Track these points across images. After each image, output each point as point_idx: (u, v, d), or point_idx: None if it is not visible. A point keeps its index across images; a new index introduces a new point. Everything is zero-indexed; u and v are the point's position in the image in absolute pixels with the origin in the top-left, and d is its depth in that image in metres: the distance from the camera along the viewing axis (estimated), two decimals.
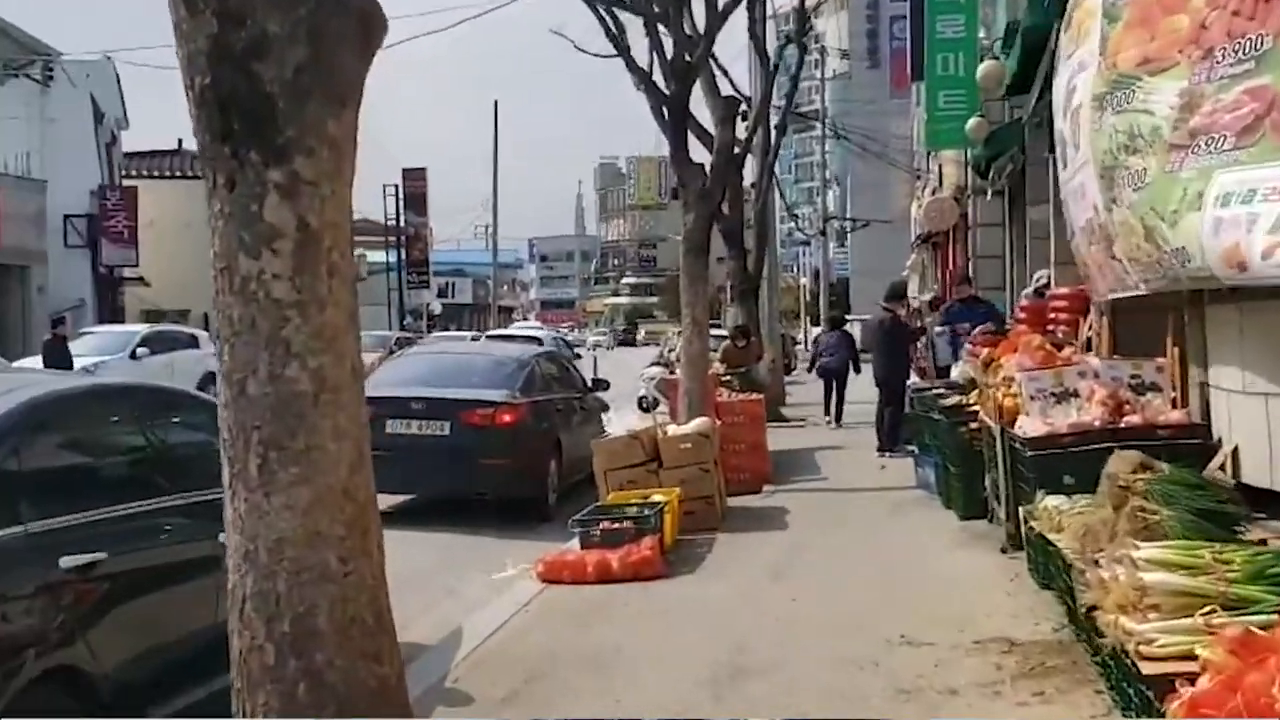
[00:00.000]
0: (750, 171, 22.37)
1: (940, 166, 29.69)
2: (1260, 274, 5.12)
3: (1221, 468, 6.41)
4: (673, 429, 10.84)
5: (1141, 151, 6.65)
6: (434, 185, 58.10)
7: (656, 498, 9.43)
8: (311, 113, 2.98)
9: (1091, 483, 6.59)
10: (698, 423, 10.75)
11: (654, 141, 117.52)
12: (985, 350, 11.30)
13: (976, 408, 9.96)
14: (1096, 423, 7.00)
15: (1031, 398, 7.50)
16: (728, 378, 14.73)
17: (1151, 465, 5.36)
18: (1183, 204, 5.81)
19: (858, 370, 18.23)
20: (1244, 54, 5.91)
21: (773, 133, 22.20)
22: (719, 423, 11.96)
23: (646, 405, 23.78)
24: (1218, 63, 6.12)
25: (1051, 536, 6.29)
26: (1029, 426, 7.26)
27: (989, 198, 23.18)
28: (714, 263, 14.74)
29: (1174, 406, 7.20)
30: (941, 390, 13.47)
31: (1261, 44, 5.82)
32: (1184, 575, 4.12)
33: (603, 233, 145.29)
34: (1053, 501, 6.56)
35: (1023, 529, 7.63)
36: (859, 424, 18.39)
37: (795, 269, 76.99)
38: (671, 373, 18.09)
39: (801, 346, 54.30)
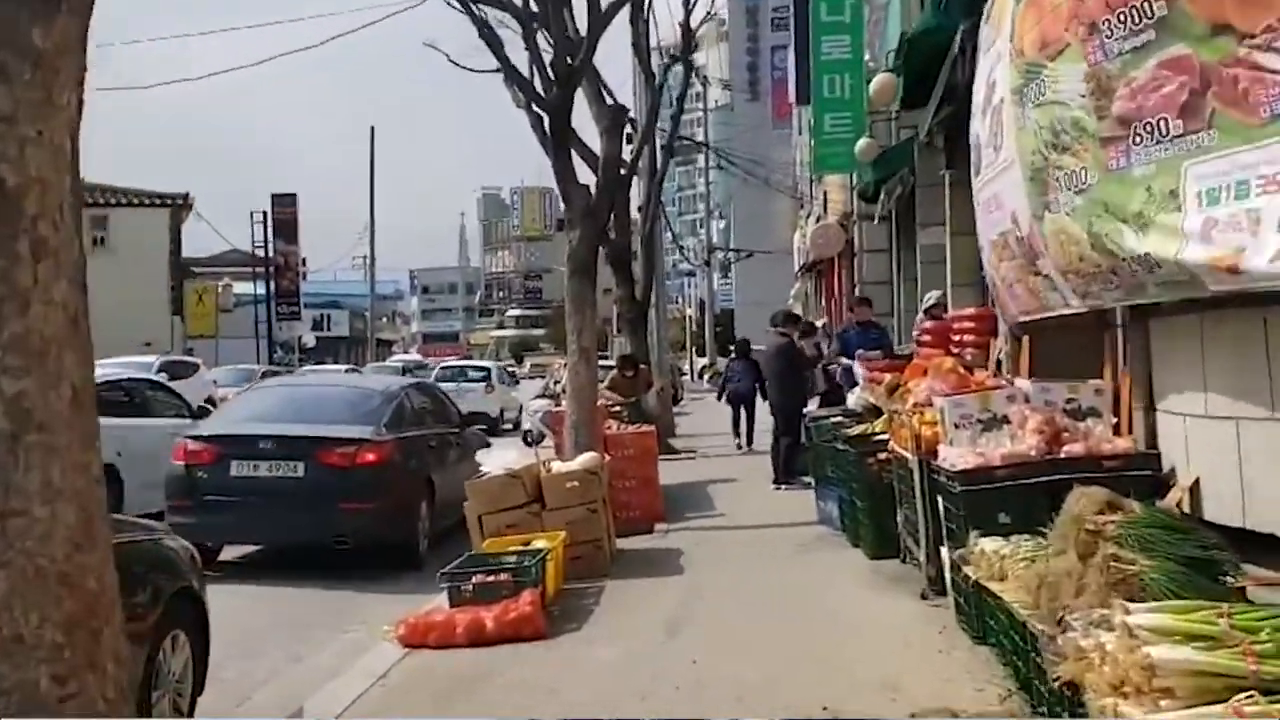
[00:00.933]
0: (637, 195, 21.59)
1: (825, 193, 29.33)
2: (1260, 278, 4.35)
3: (1179, 504, 5.65)
4: (557, 465, 9.83)
5: (1071, 149, 5.93)
6: (309, 213, 56.38)
7: (538, 544, 8.40)
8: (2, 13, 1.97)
9: (1029, 521, 5.81)
10: (585, 458, 9.76)
11: (538, 172, 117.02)
12: (889, 376, 10.56)
13: (884, 436, 9.18)
14: (1033, 453, 6.21)
15: (956, 425, 6.68)
16: (616, 409, 13.77)
17: (1120, 504, 4.54)
18: (1151, 205, 5.05)
19: (764, 397, 17.64)
20: (1135, 23, 5.24)
21: (659, 154, 21.43)
22: (607, 457, 11.01)
23: (531, 439, 22.82)
24: (1107, 37, 5.44)
25: (993, 586, 5.45)
26: (956, 458, 6.43)
27: (876, 223, 22.74)
28: (600, 295, 13.90)
29: (1116, 433, 6.46)
30: (840, 418, 12.73)
31: (1152, 10, 5.12)
32: (1200, 649, 3.26)
33: (487, 264, 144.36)
34: (990, 545, 5.72)
35: (948, 573, 6.80)
36: (754, 454, 17.68)
37: (680, 300, 76.70)
38: (557, 405, 17.09)
39: (688, 377, 53.84)
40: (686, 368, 55.36)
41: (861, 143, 18.72)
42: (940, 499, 6.84)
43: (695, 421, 26.50)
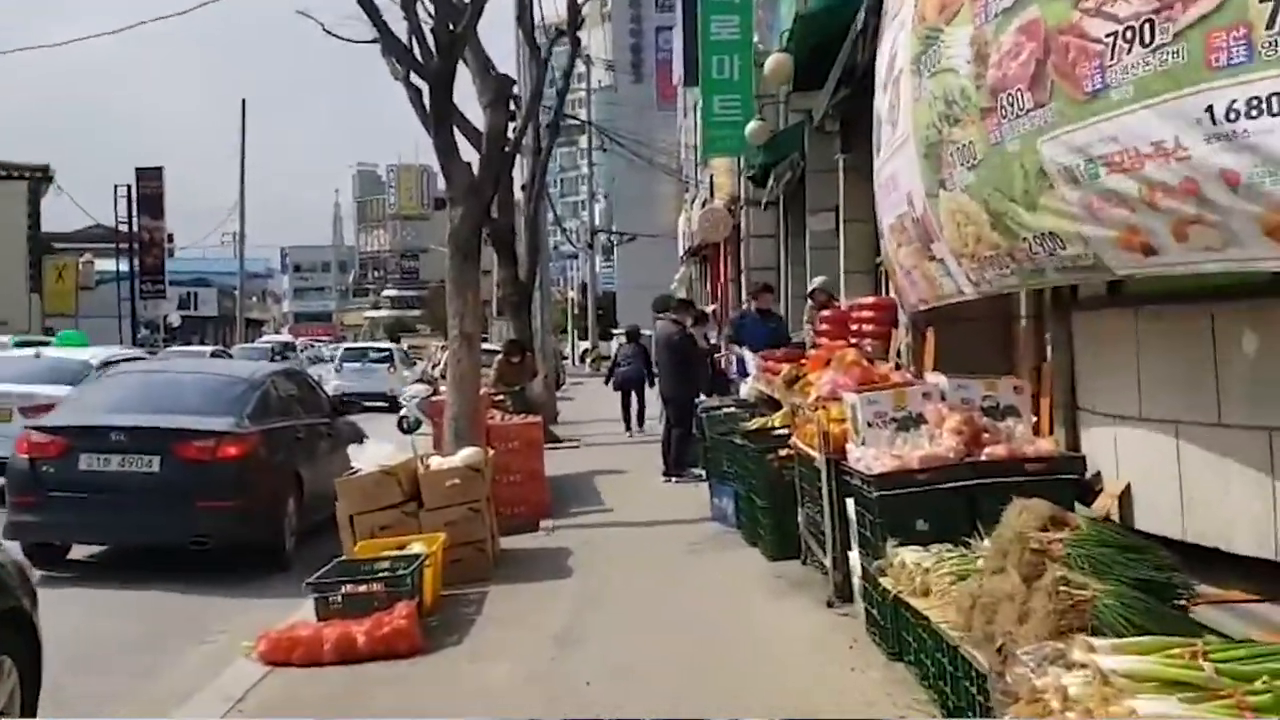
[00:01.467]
0: (521, 174, 20.91)
1: (712, 177, 28.99)
2: (1172, 261, 3.96)
3: (1108, 513, 5.30)
4: (437, 462, 9.18)
5: (961, 121, 5.51)
6: (178, 189, 54.17)
7: (415, 548, 7.77)
8: None
9: (947, 529, 5.43)
10: (467, 454, 9.13)
11: (415, 148, 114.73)
12: (787, 366, 10.16)
13: (784, 431, 8.77)
14: (951, 455, 5.81)
15: (869, 424, 6.25)
16: (500, 398, 13.13)
17: (1065, 519, 4.13)
18: (1030, 183, 4.66)
19: (652, 383, 18.33)
20: None
21: (543, 132, 20.77)
22: (490, 451, 10.41)
23: (408, 426, 21.99)
24: None
25: (915, 602, 5.03)
26: (871, 459, 5.99)
27: (764, 208, 22.45)
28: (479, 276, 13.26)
29: (1036, 433, 6.11)
30: (733, 409, 12.33)
31: None
32: (1187, 700, 2.83)
33: (361, 243, 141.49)
34: (910, 555, 5.30)
35: (856, 579, 6.40)
36: (643, 442, 17.22)
37: (562, 282, 76.00)
38: (436, 392, 16.40)
39: (569, 361, 53.21)
40: (568, 351, 54.70)
41: (751, 125, 18.33)
42: (850, 502, 6.42)
43: (578, 408, 25.96)
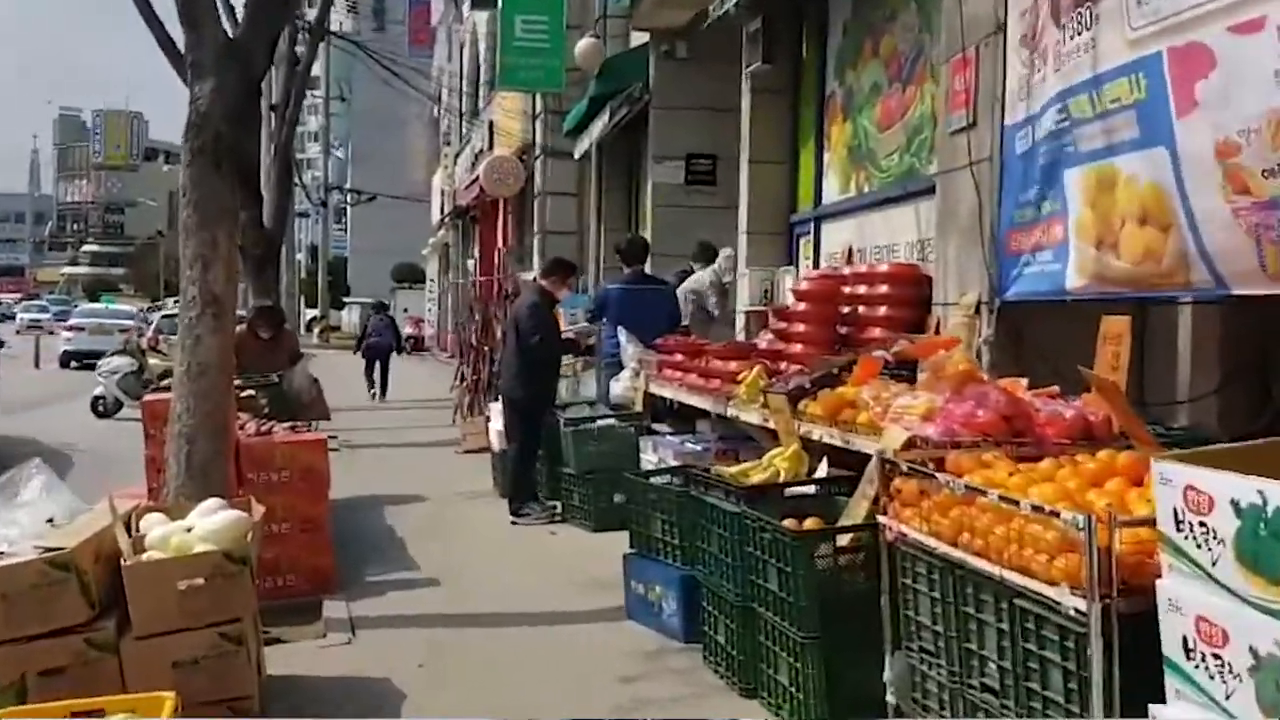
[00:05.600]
0: (272, 90, 16.17)
1: (492, 123, 24.73)
2: None
3: None
4: (158, 533, 4.82)
5: None
6: None
7: None
8: None
9: None
10: (217, 521, 4.80)
11: (125, 96, 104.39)
12: (752, 369, 6.36)
13: (802, 491, 5.01)
14: None
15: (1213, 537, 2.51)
16: (249, 394, 8.67)
17: None
18: None
19: (399, 351, 22.71)
20: None
21: (302, 36, 16.07)
22: (242, 491, 6.18)
23: (104, 408, 17.06)
24: None
25: None
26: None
27: (576, 158, 18.54)
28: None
29: None
30: (612, 421, 8.48)
31: None
32: None
33: (61, 193, 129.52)
34: None
35: None
36: (427, 446, 13.08)
37: (289, 244, 69.36)
38: (148, 384, 11.82)
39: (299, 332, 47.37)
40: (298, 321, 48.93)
41: (583, 44, 14.41)
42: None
43: (331, 391, 21.27)
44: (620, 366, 9.00)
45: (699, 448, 7.47)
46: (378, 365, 20.90)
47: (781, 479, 4.92)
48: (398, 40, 46.91)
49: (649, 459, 7.88)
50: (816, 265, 9.27)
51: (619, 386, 8.89)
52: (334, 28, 58.63)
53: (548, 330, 8.73)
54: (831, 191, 9.08)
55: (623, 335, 9.04)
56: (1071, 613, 3.01)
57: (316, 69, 46.28)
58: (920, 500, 3.84)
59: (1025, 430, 4.15)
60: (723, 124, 13.14)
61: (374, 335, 21.45)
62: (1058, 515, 3.06)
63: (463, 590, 6.98)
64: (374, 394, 20.68)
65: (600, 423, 8.39)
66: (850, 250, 8.49)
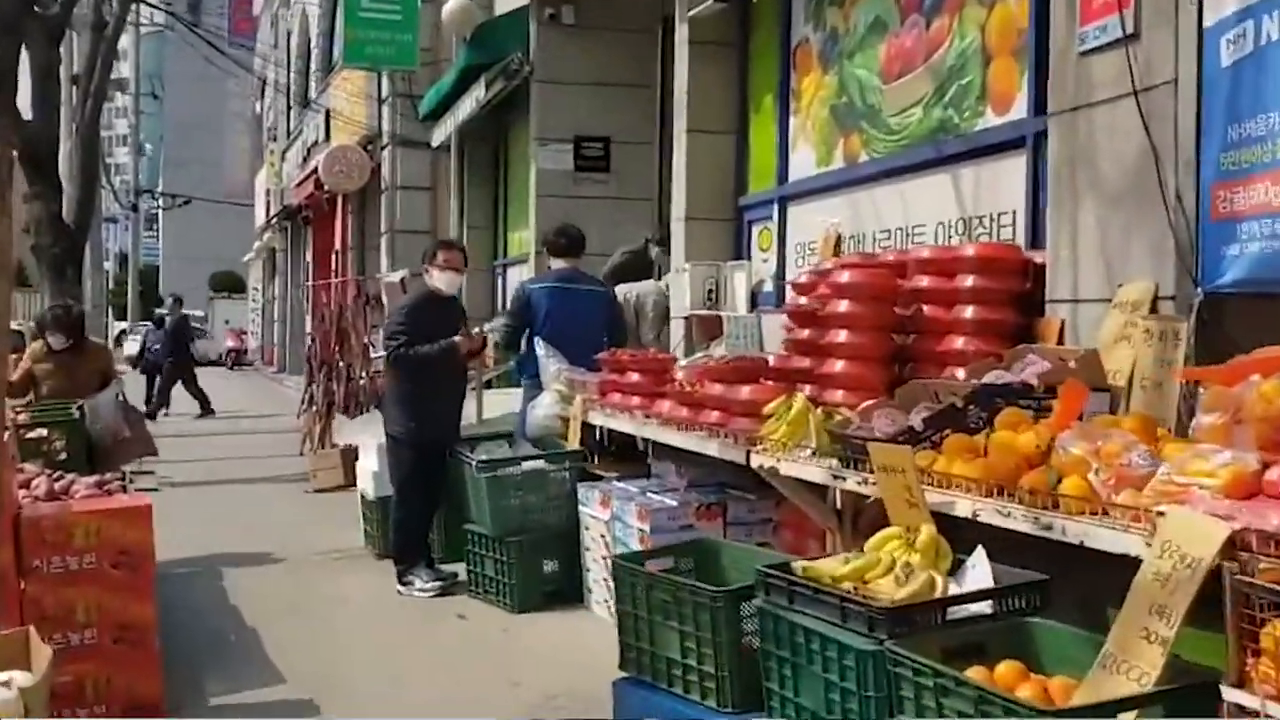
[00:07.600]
0: (73, 60, 13.49)
1: (328, 112, 22.18)
2: None
3: None
4: None
5: None
6: None
7: None
8: None
9: None
10: None
11: None
12: (794, 397, 4.43)
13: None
14: None
15: None
16: (37, 431, 6.26)
17: None
18: None
19: (183, 363, 20.22)
20: None
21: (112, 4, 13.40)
22: (24, 590, 3.96)
23: None
24: None
25: None
26: None
27: (434, 147, 16.29)
28: None
29: None
30: (540, 463, 6.45)
31: None
32: None
33: None
34: None
35: None
36: (250, 482, 10.64)
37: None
38: None
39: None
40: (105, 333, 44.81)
41: (453, 4, 12.16)
42: None
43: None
44: (541, 389, 6.95)
45: (671, 501, 5.51)
46: (160, 380, 19.77)
47: (937, 589, 2.99)
48: (217, 35, 43.47)
49: (594, 514, 5.89)
50: (781, 259, 7.42)
51: (538, 414, 6.83)
52: (144, 17, 54.70)
53: (417, 334, 6.49)
54: (804, 165, 7.21)
55: (541, 348, 6.98)
56: None
57: (125, 70, 42.53)
58: None
59: None
60: (617, 101, 11.53)
61: (153, 349, 21.21)
62: None
63: (352, 708, 4.81)
64: (149, 412, 17.64)
65: (525, 466, 6.28)
66: (838, 238, 6.64)
